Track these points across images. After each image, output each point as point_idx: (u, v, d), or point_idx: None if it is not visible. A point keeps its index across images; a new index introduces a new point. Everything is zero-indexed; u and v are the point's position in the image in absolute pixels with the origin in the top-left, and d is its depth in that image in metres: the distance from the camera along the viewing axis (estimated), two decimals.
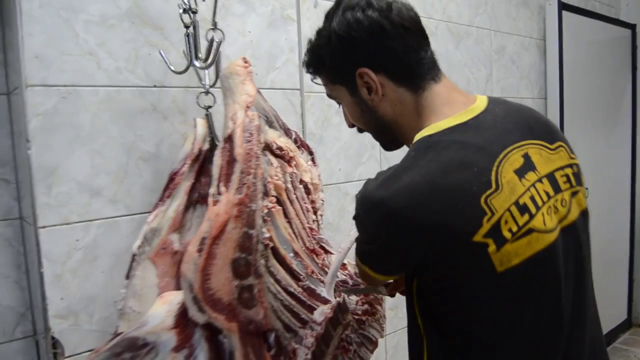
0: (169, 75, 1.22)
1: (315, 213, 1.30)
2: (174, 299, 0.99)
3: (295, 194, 1.21)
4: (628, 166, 3.31)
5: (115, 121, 1.18)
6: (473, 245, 0.73)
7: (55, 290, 1.11)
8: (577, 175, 0.88)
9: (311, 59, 0.93)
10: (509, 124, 0.84)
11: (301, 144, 1.30)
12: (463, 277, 0.77)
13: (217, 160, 1.05)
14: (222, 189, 1.01)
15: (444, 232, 0.73)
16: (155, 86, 1.24)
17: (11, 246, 1.22)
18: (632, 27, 3.24)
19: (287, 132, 1.27)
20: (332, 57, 0.88)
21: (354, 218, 0.86)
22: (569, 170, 0.87)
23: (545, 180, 0.81)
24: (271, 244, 1.07)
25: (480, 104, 0.85)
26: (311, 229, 1.24)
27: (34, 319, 1.24)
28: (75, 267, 1.14)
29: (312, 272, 1.15)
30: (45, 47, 1.09)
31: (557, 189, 0.82)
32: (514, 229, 0.74)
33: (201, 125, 1.15)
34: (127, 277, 1.10)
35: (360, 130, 0.98)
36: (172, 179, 1.13)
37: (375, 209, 0.76)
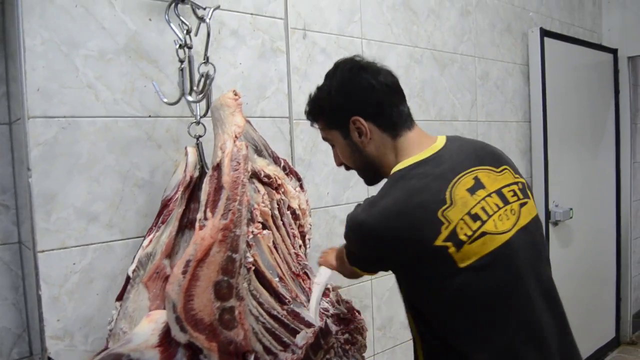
0: (163, 105, 1.29)
1: (303, 238, 1.36)
2: (159, 318, 1.03)
3: (282, 220, 1.27)
4: (612, 186, 3.39)
5: (111, 150, 1.24)
6: (435, 248, 0.94)
7: (52, 312, 1.16)
8: (524, 190, 1.08)
9: (312, 108, 1.16)
10: (462, 155, 1.06)
11: (290, 171, 1.37)
12: (431, 275, 0.97)
13: (206, 187, 1.11)
14: (209, 214, 1.06)
15: (411, 243, 0.95)
16: (150, 116, 1.30)
17: (10, 269, 1.27)
18: (613, 51, 3.34)
19: (275, 160, 1.33)
20: (331, 107, 1.10)
21: (345, 234, 1.05)
22: (514, 187, 1.06)
23: (494, 195, 1.01)
24: (253, 268, 1.12)
25: (439, 142, 1.08)
26: (297, 254, 1.29)
27: (30, 340, 1.28)
28: (72, 290, 1.19)
29: (297, 296, 1.20)
30: (46, 81, 1.15)
31: (505, 201, 1.02)
32: (469, 233, 0.95)
33: (192, 154, 1.21)
34: (118, 299, 1.15)
35: (347, 168, 1.19)
36: (166, 205, 1.19)
37: (359, 229, 1.00)
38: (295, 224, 1.34)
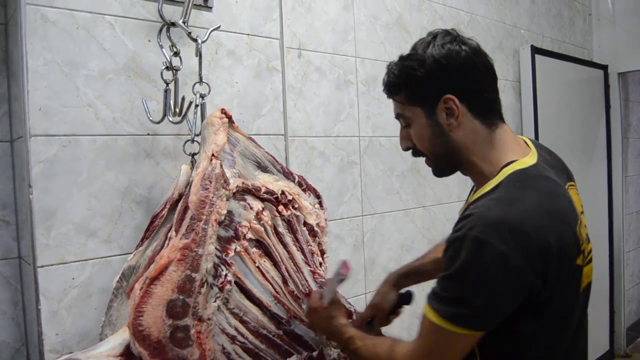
0: (162, 124, 1.32)
1: (322, 255, 1.37)
2: None
3: (296, 236, 1.28)
4: (605, 200, 3.43)
5: (111, 167, 1.27)
6: (576, 267, 0.88)
7: (51, 326, 1.18)
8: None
9: (396, 78, 1.01)
10: (556, 165, 1.02)
11: (307, 187, 1.38)
12: (560, 294, 0.88)
13: (179, 206, 1.15)
14: (173, 233, 1.09)
15: (559, 251, 0.84)
16: (148, 134, 1.33)
17: (9, 284, 1.29)
18: (604, 67, 3.40)
19: (287, 175, 1.35)
20: (423, 79, 0.96)
21: (458, 270, 0.85)
22: (580, 208, 1.01)
23: (582, 216, 0.97)
24: (231, 287, 1.13)
25: (532, 147, 1.00)
26: (314, 272, 1.29)
27: (28, 354, 1.30)
28: (71, 304, 1.21)
29: (295, 316, 1.21)
30: (48, 100, 1.19)
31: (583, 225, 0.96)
32: (586, 255, 0.91)
33: (185, 172, 1.24)
34: (107, 307, 1.18)
35: (416, 153, 1.06)
36: (152, 221, 1.22)
37: (507, 230, 0.82)
38: (314, 241, 1.34)
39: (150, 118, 1.29)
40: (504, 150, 0.96)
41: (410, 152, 1.07)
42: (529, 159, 0.94)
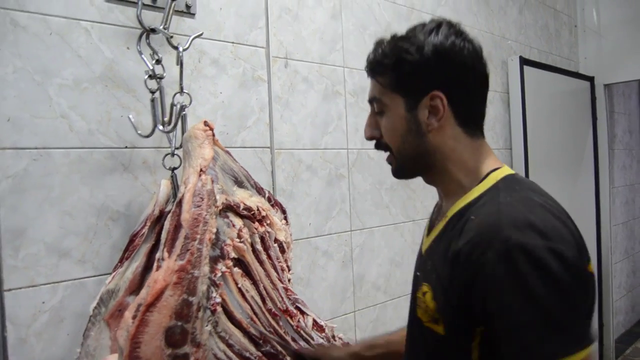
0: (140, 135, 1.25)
1: (288, 271, 1.31)
2: None
3: (268, 253, 1.22)
4: (592, 211, 3.41)
5: (85, 182, 1.19)
6: (589, 273, 0.75)
7: (19, 355, 1.09)
8: None
9: (385, 56, 0.89)
10: None
11: (274, 203, 1.32)
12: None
13: (166, 224, 1.07)
14: (165, 254, 1.02)
15: (582, 254, 0.75)
16: (126, 147, 1.26)
17: None
18: (590, 79, 3.41)
19: (259, 191, 1.29)
20: (416, 67, 0.85)
21: (528, 295, 0.69)
22: None
23: None
24: (220, 309, 1.06)
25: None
26: (286, 289, 1.24)
27: None
28: (41, 330, 1.13)
29: (273, 333, 1.15)
30: (18, 111, 1.11)
31: None
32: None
33: (165, 187, 1.17)
34: (83, 336, 1.09)
35: (380, 146, 0.94)
36: (132, 240, 1.15)
37: (545, 230, 0.71)
38: (283, 257, 1.28)
39: (139, 132, 1.21)
40: (486, 160, 0.88)
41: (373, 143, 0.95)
42: (509, 169, 0.87)
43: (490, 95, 2.61)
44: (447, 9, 2.36)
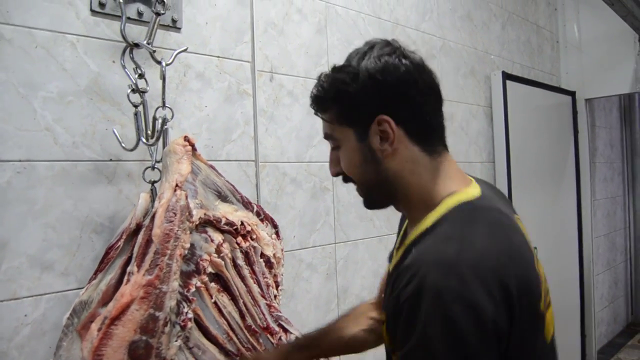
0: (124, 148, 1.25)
1: (277, 288, 1.31)
2: None
3: (252, 268, 1.22)
4: (574, 224, 3.46)
5: (69, 195, 1.19)
6: (540, 314, 0.72)
7: None
8: None
9: (325, 93, 0.87)
10: (501, 196, 0.90)
11: (265, 217, 1.32)
12: (526, 348, 0.72)
13: (139, 238, 1.07)
14: (134, 268, 1.02)
15: (524, 297, 0.70)
16: (111, 160, 1.26)
17: None
18: (572, 94, 3.47)
19: (247, 205, 1.29)
20: (355, 96, 0.82)
21: (422, 336, 0.67)
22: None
23: (535, 250, 0.83)
24: (191, 324, 1.06)
25: (472, 179, 0.88)
26: (269, 305, 1.24)
27: None
28: (22, 344, 1.12)
29: (250, 350, 1.15)
30: (2, 123, 1.11)
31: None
32: (546, 297, 0.76)
33: (143, 200, 1.17)
34: (57, 346, 1.09)
35: (347, 180, 0.92)
36: (107, 252, 1.14)
37: (469, 274, 0.67)
38: (270, 272, 1.28)
39: (124, 145, 1.22)
40: (446, 180, 0.83)
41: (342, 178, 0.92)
42: (472, 190, 0.82)
43: (474, 109, 2.66)
44: (432, 24, 2.40)
